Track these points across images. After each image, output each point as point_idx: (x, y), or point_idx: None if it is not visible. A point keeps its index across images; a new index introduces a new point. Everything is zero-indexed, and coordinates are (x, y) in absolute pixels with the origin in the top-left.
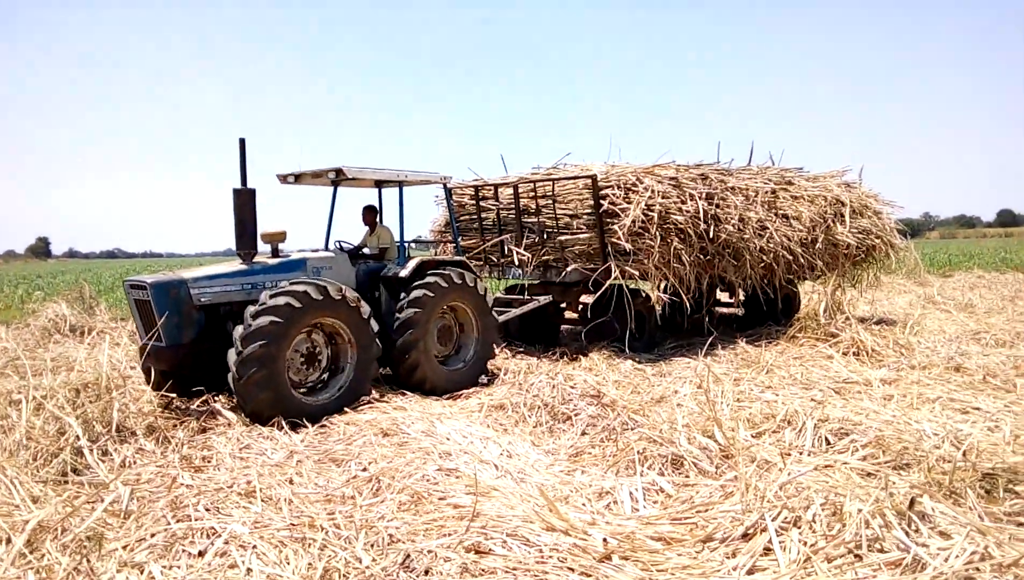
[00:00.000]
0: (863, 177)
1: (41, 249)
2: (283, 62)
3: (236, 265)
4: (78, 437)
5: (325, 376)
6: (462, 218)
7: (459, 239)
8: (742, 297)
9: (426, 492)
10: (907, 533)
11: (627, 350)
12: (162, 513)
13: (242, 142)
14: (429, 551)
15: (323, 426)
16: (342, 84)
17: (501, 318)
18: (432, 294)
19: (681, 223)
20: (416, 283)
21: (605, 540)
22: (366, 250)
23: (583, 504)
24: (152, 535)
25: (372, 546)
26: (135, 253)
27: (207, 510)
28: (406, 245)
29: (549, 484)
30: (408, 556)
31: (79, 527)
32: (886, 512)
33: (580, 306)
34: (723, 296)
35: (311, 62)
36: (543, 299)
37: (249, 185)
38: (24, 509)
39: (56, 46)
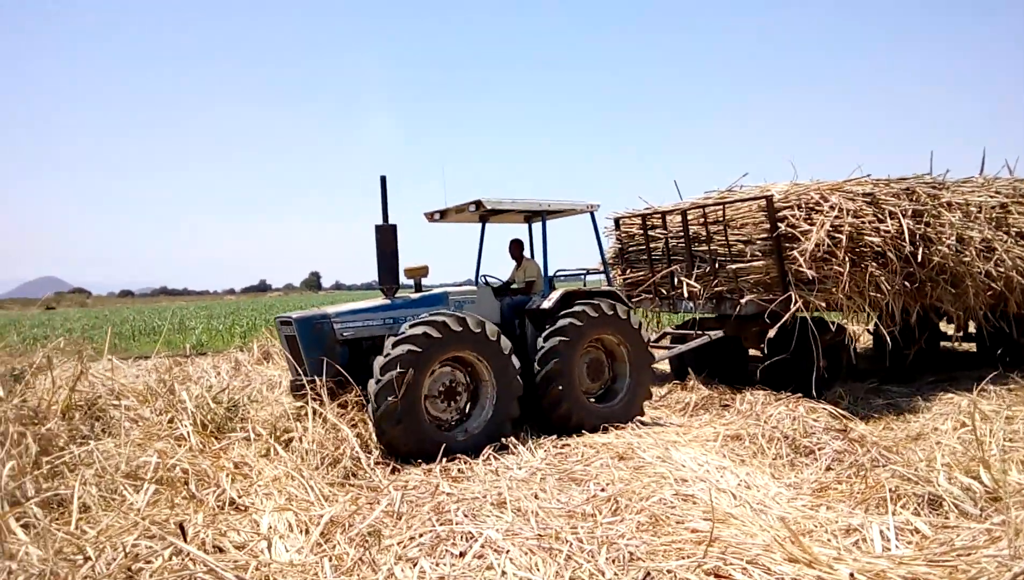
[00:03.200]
0: None
1: (313, 282)
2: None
3: (378, 300)
4: (353, 447)
5: (464, 412)
6: (631, 249)
7: (609, 269)
8: (972, 330)
9: (663, 515)
10: None
11: (813, 394)
12: (428, 516)
13: (383, 180)
14: (669, 571)
15: (562, 447)
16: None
17: (668, 354)
18: (579, 323)
19: (878, 245)
20: (562, 313)
21: (852, 575)
22: (515, 285)
23: (828, 540)
24: (421, 535)
25: (613, 561)
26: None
27: (465, 516)
28: (552, 277)
29: (791, 517)
30: (648, 574)
31: (362, 524)
32: None
33: (763, 342)
34: (949, 329)
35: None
36: (713, 334)
37: (392, 221)
38: (317, 505)
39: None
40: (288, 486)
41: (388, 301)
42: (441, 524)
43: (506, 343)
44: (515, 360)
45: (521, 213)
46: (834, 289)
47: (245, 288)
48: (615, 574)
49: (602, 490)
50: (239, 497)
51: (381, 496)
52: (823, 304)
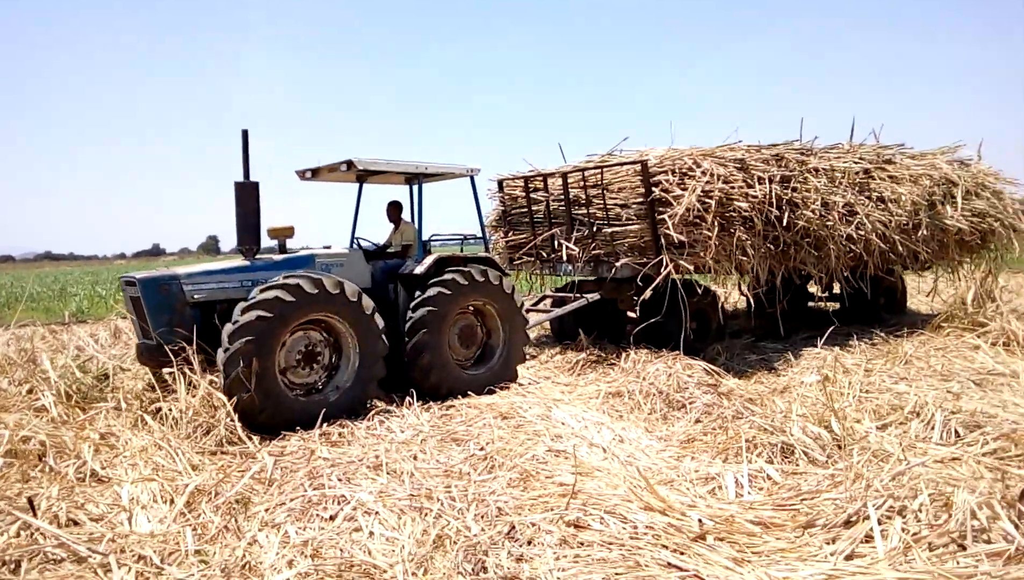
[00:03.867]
0: (982, 153)
1: (211, 246)
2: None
3: (236, 261)
4: (229, 413)
5: (324, 376)
6: (514, 212)
7: (487, 235)
8: (837, 290)
9: (534, 471)
10: (1016, 525)
11: (683, 353)
12: (301, 482)
13: (245, 134)
14: (532, 523)
15: (448, 409)
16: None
17: (545, 318)
18: (448, 292)
19: (746, 210)
20: (432, 281)
21: (701, 521)
22: (392, 249)
23: (687, 488)
24: (291, 500)
25: (482, 517)
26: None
27: (339, 480)
28: (427, 242)
29: (656, 468)
30: (513, 527)
31: (229, 492)
32: (994, 504)
33: (637, 305)
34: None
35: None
36: (590, 297)
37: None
38: (185, 475)
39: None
40: (155, 456)
41: (247, 263)
42: (314, 489)
43: (368, 303)
44: (378, 319)
45: (400, 175)
46: (703, 253)
47: (137, 252)
48: (482, 529)
49: (481, 449)
50: (102, 469)
51: (254, 463)
52: (691, 268)
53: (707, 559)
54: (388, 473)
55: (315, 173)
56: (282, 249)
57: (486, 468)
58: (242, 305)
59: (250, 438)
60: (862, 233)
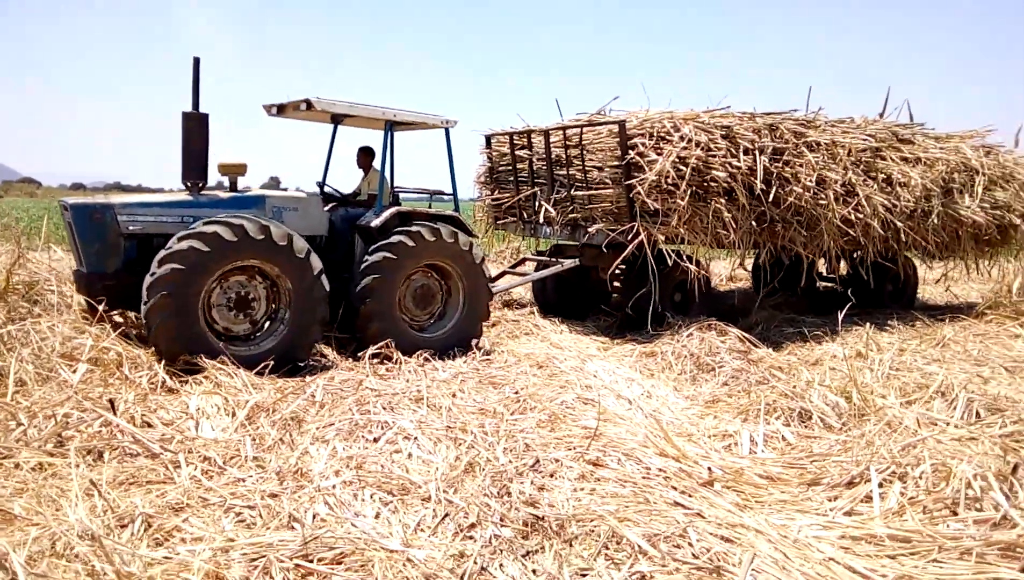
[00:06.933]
0: (1020, 140)
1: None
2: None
3: (179, 196)
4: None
5: (262, 323)
6: (500, 169)
7: (457, 193)
8: (843, 272)
9: (562, 414)
10: (1007, 496)
11: (649, 329)
12: (349, 407)
13: (196, 61)
14: (555, 459)
15: (487, 355)
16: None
17: (518, 282)
18: (396, 256)
19: (725, 180)
20: (395, 229)
21: (710, 469)
22: (360, 197)
23: (704, 442)
24: (340, 422)
25: (510, 451)
26: None
27: (384, 408)
28: (395, 193)
29: (678, 422)
30: (538, 461)
31: (285, 409)
32: (989, 476)
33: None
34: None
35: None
36: (567, 263)
37: (202, 109)
38: (245, 393)
39: None
40: (218, 374)
41: (191, 198)
42: (360, 414)
43: (301, 245)
44: (315, 261)
45: (378, 121)
46: (675, 222)
47: (211, 186)
48: (509, 461)
49: (515, 393)
50: (170, 378)
51: (307, 387)
52: (662, 237)
53: (711, 502)
54: (428, 406)
55: (280, 109)
56: (233, 187)
57: (518, 409)
58: (182, 233)
59: (304, 366)
60: (861, 216)
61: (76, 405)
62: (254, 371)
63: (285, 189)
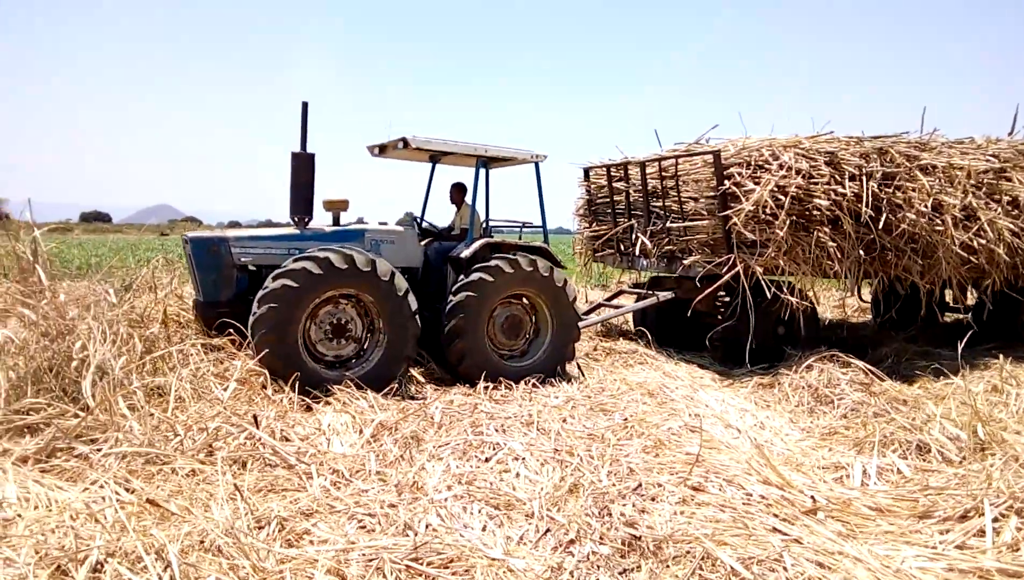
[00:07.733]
0: None
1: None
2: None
3: (287, 230)
4: (407, 369)
5: (354, 350)
6: (598, 201)
7: (547, 224)
8: (970, 302)
9: (667, 441)
10: None
11: (747, 364)
12: (464, 428)
13: (304, 105)
14: (658, 483)
15: (600, 382)
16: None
17: (608, 316)
18: (490, 278)
19: (827, 208)
20: (476, 266)
21: (813, 497)
22: (454, 231)
23: (814, 473)
24: (455, 442)
25: (614, 474)
26: None
27: (496, 430)
28: (487, 227)
29: (789, 454)
30: (640, 484)
31: (406, 429)
32: None
33: (713, 306)
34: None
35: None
36: (663, 296)
37: (309, 150)
38: (371, 412)
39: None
40: (348, 396)
41: (297, 232)
42: (474, 435)
43: (401, 283)
44: (412, 300)
45: (470, 158)
46: (775, 253)
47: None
48: (612, 483)
49: (624, 420)
50: (307, 398)
51: (426, 409)
52: (760, 269)
53: (812, 530)
54: (538, 430)
55: (382, 149)
56: (336, 222)
57: (625, 435)
58: (275, 273)
59: (423, 388)
60: (983, 242)
61: (225, 420)
62: (381, 393)
63: (384, 223)
